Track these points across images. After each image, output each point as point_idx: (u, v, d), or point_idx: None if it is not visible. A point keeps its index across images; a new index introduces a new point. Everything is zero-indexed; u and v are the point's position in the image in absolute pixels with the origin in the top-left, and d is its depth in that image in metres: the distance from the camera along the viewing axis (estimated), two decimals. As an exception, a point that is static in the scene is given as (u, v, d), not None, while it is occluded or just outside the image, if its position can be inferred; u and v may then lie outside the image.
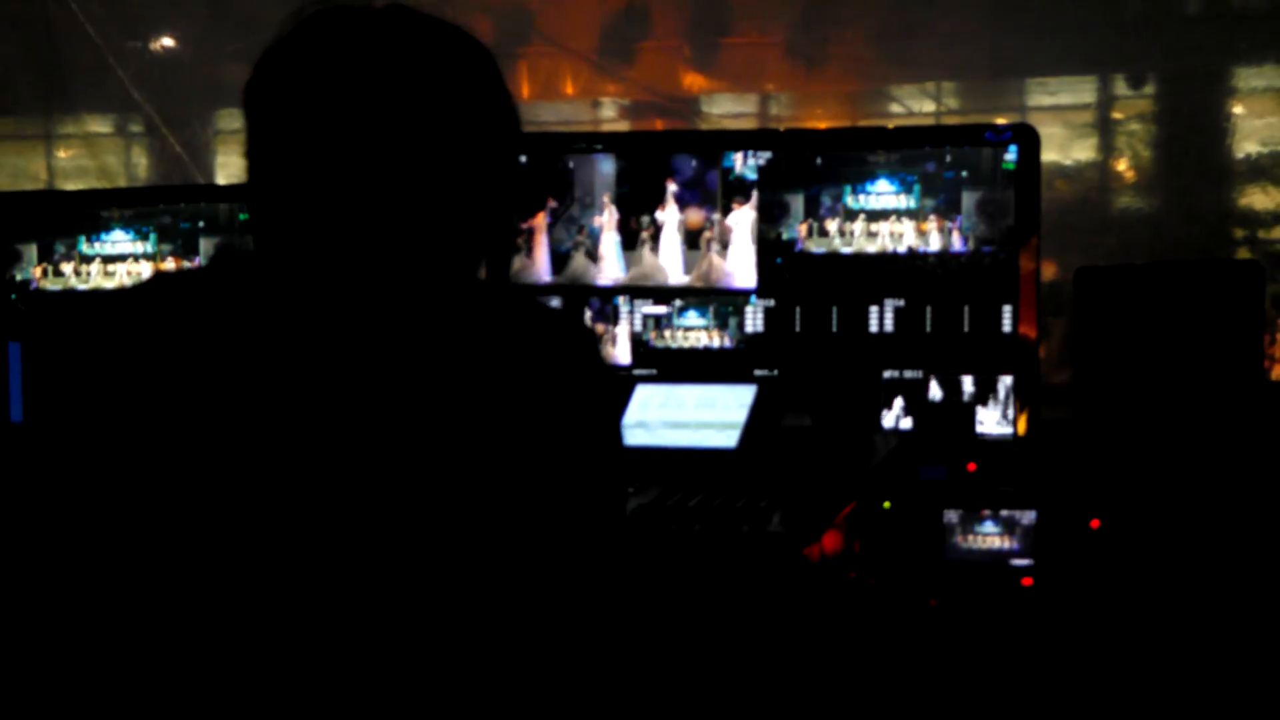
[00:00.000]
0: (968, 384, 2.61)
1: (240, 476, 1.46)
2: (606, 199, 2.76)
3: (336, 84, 1.52)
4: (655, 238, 2.76)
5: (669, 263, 2.74)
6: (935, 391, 2.62)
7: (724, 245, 2.73)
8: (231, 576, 1.45)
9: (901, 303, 2.65)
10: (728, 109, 5.32)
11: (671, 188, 2.75)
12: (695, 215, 2.74)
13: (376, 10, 1.56)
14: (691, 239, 2.74)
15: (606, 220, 2.76)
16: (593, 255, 2.78)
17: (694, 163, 2.74)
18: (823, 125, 5.01)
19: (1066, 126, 4.85)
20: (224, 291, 1.54)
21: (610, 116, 5.48)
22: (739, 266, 2.72)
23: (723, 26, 5.19)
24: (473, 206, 1.58)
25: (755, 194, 2.71)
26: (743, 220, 2.71)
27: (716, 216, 2.73)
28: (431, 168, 1.54)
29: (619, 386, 2.56)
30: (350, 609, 1.45)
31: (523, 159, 2.81)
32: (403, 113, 1.52)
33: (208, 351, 1.49)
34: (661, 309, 2.75)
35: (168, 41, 5.20)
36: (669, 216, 2.75)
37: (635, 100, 5.31)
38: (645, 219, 2.76)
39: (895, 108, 5.14)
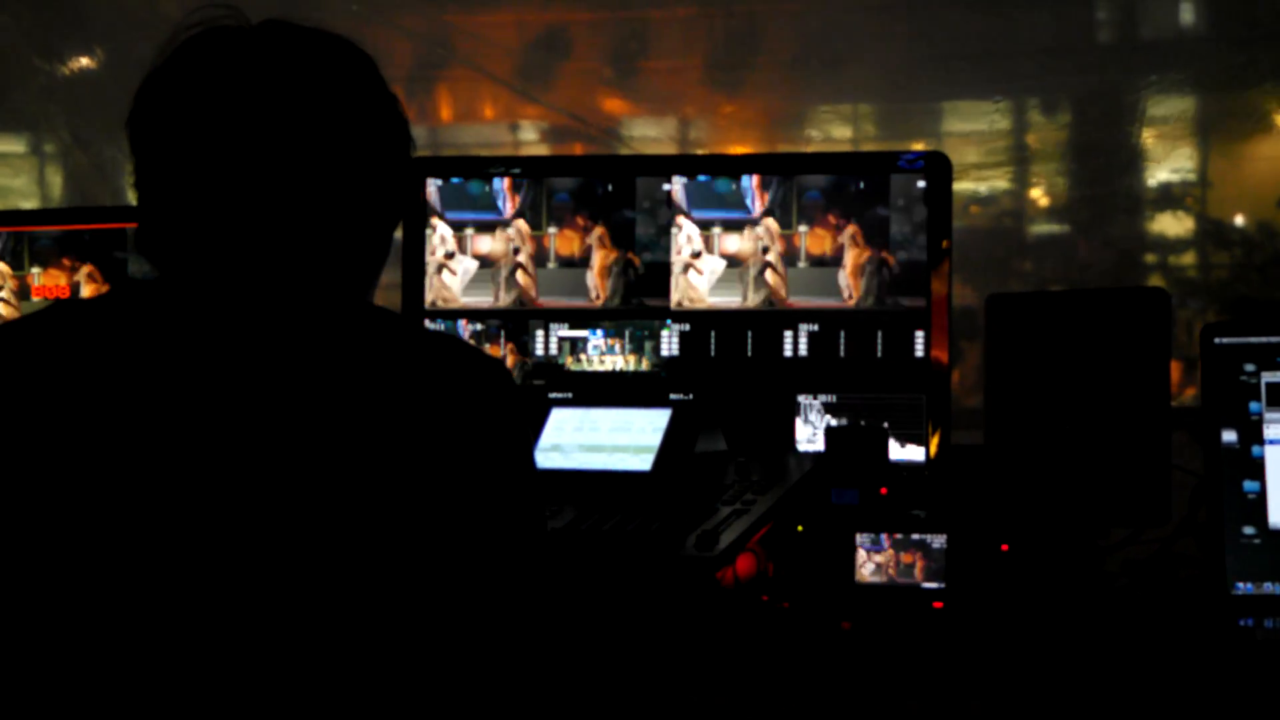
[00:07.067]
0: (880, 408, 2.63)
1: (138, 506, 1.43)
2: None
3: (218, 106, 1.50)
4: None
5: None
6: (848, 416, 2.64)
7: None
8: (119, 611, 1.43)
9: (815, 327, 2.66)
10: (646, 133, 5.33)
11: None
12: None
13: (252, 28, 1.55)
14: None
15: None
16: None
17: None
18: (740, 150, 5.04)
19: (981, 152, 4.89)
20: (122, 319, 1.52)
21: (530, 139, 5.47)
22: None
23: (643, 51, 5.20)
24: (365, 219, 1.57)
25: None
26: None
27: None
28: (320, 182, 1.53)
29: (531, 412, 2.56)
30: (242, 652, 1.43)
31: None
32: (286, 129, 1.51)
33: (104, 379, 1.47)
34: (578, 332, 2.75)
35: (81, 60, 5.14)
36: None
37: (554, 124, 5.31)
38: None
39: (814, 133, 5.16)
